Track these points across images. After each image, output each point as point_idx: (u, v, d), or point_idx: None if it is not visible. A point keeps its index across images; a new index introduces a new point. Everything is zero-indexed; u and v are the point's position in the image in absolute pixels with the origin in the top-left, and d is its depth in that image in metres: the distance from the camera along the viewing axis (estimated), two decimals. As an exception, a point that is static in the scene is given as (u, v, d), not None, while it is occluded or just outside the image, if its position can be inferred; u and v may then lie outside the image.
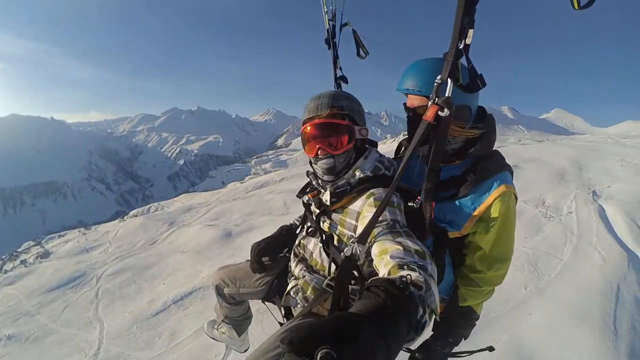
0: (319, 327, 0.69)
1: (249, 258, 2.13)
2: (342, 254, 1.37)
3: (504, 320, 4.11)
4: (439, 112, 1.28)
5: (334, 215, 1.70)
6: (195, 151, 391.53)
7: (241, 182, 23.88)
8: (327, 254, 1.69)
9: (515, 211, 1.66)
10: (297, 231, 2.07)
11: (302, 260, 1.88)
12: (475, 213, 1.56)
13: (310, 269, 1.81)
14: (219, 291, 2.33)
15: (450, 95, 1.26)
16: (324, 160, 1.68)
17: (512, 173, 1.71)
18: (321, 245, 1.72)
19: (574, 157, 11.49)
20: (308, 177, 1.90)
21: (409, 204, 1.56)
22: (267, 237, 2.13)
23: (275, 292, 2.16)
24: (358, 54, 2.10)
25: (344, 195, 1.66)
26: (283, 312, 2.05)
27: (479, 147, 1.62)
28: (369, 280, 1.03)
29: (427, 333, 1.69)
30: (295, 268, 1.87)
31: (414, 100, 1.67)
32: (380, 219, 1.38)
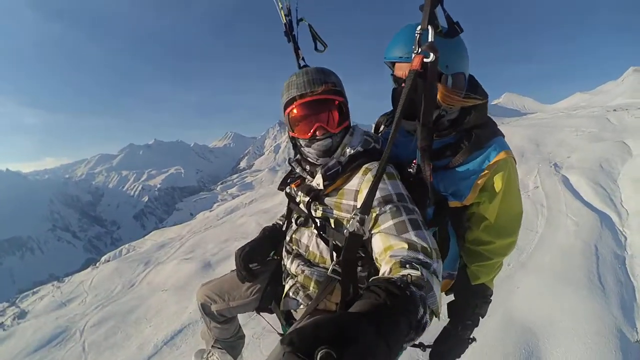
0: (319, 327, 0.69)
1: (234, 268, 1.96)
2: (345, 230, 1.33)
3: (494, 297, 4.09)
4: (424, 59, 1.25)
5: (328, 200, 1.56)
6: (158, 186, 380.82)
7: (210, 211, 23.47)
8: (326, 242, 1.54)
9: (517, 175, 1.63)
10: (284, 228, 1.94)
11: (298, 256, 1.72)
12: (479, 182, 1.50)
13: (308, 263, 1.66)
14: (205, 310, 2.09)
15: (433, 41, 1.25)
16: (322, 142, 1.54)
17: (504, 137, 1.64)
18: (317, 234, 1.56)
19: (529, 136, 11.95)
20: (290, 165, 1.76)
21: (408, 170, 1.51)
22: (250, 241, 1.94)
23: (270, 299, 1.98)
24: (316, 48, 2.05)
25: (337, 176, 1.53)
26: (284, 318, 1.82)
27: (474, 116, 1.56)
28: (370, 280, 1.03)
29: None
30: (292, 265, 1.70)
31: (405, 69, 1.56)
32: (384, 194, 1.34)
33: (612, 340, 3.20)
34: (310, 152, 1.60)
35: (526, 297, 4.06)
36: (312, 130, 1.52)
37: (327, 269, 1.47)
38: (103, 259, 18.07)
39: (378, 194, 1.33)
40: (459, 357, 1.82)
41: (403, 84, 1.52)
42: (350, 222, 1.25)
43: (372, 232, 1.30)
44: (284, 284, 1.81)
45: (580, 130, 12.05)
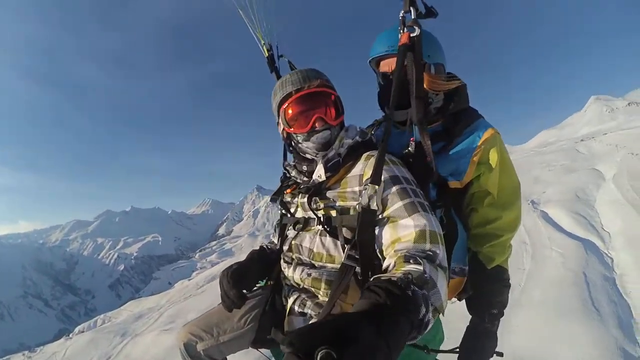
0: (319, 327, 0.68)
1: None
2: (357, 205, 1.31)
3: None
4: (411, 35, 1.43)
5: (330, 193, 1.50)
6: (135, 254, 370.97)
7: (189, 280, 22.93)
8: (333, 234, 1.44)
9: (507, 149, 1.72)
10: (278, 246, 1.78)
11: (300, 263, 1.58)
12: (475, 158, 1.57)
13: (313, 266, 1.53)
14: (189, 351, 1.71)
15: (416, 18, 1.44)
16: (321, 134, 1.51)
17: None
18: (322, 229, 1.47)
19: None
20: (285, 169, 1.73)
21: (405, 151, 1.56)
22: (236, 262, 1.73)
23: (267, 326, 1.70)
24: None
25: (338, 167, 1.50)
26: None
27: (456, 101, 1.69)
28: (370, 280, 1.03)
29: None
30: (294, 273, 1.56)
31: (391, 63, 1.71)
32: (391, 174, 1.34)
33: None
34: (309, 146, 1.55)
35: (524, 333, 3.93)
36: (311, 122, 1.50)
37: (337, 269, 1.40)
38: (77, 329, 17.29)
39: (385, 174, 1.33)
40: (492, 356, 1.72)
41: (391, 76, 1.62)
42: (362, 194, 1.27)
43: (382, 215, 1.28)
44: (285, 304, 1.62)
45: (552, 164, 12.51)
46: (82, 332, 15.18)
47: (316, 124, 1.50)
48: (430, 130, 1.63)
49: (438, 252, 1.13)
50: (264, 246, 1.93)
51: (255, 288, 1.83)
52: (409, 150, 1.55)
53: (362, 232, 1.26)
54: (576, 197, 7.89)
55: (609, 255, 5.23)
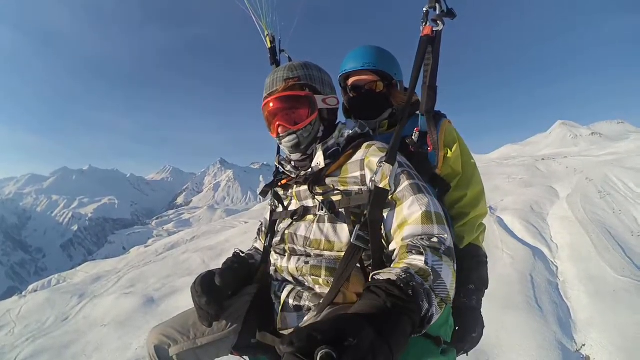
0: (319, 328, 0.70)
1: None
2: (371, 183, 1.29)
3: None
4: (434, 28, 1.50)
5: (329, 180, 1.45)
6: (90, 215, 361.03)
7: (145, 246, 22.45)
8: (334, 217, 1.38)
9: None
10: (266, 243, 1.69)
11: (294, 253, 1.49)
12: (440, 143, 1.67)
13: (309, 255, 1.43)
14: (160, 355, 1.47)
15: (440, 14, 1.50)
16: (287, 138, 1.49)
17: None
18: (325, 212, 1.39)
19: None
20: (280, 163, 1.67)
21: (407, 141, 1.63)
22: (212, 270, 1.56)
23: (252, 330, 1.51)
24: None
25: (338, 155, 1.47)
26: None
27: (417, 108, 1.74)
28: (370, 279, 1.02)
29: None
30: (289, 263, 1.46)
31: (364, 77, 1.89)
32: (398, 159, 1.32)
33: (554, 352, 3.59)
34: (283, 149, 1.58)
35: None
36: (275, 130, 1.51)
37: (335, 256, 1.35)
38: (30, 287, 16.72)
39: None
40: (475, 332, 1.69)
41: (363, 90, 1.89)
42: (377, 172, 1.28)
43: (391, 196, 1.27)
44: (275, 301, 1.50)
45: (512, 177, 13.24)
46: (36, 291, 14.72)
47: (279, 130, 1.50)
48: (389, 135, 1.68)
49: (444, 234, 1.13)
50: (239, 252, 1.77)
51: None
52: (412, 138, 1.63)
53: (373, 210, 1.23)
54: (531, 209, 8.51)
55: (554, 263, 5.81)
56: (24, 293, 14.46)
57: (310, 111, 1.49)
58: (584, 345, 3.73)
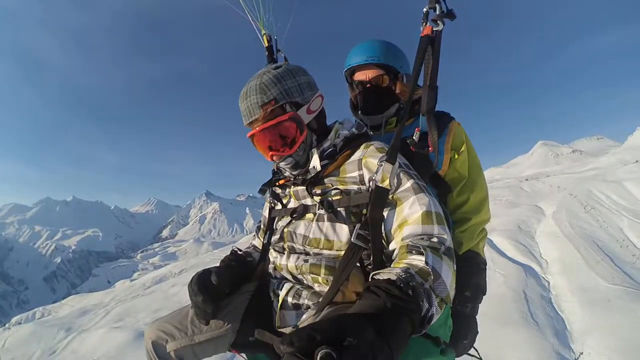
0: (319, 327, 0.70)
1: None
2: (371, 182, 1.28)
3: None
4: (434, 28, 1.48)
5: (328, 180, 1.44)
6: (73, 247, 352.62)
7: (131, 280, 21.99)
8: (333, 216, 1.35)
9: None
10: (264, 240, 1.67)
11: (293, 252, 1.47)
12: (447, 145, 1.67)
13: (307, 254, 1.42)
14: (158, 352, 1.48)
15: (440, 14, 1.49)
16: (283, 163, 1.47)
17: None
18: (324, 211, 1.37)
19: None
20: (278, 168, 1.64)
21: (408, 140, 1.61)
22: (208, 268, 1.54)
23: (251, 327, 1.45)
24: None
25: (335, 155, 1.44)
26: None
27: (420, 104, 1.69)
28: (370, 279, 1.02)
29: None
30: (288, 261, 1.44)
31: (369, 72, 1.84)
32: (398, 160, 1.31)
33: None
34: (282, 168, 1.54)
35: None
36: (269, 159, 1.47)
37: (335, 255, 1.33)
38: (14, 320, 16.22)
39: None
40: (467, 339, 1.69)
41: (368, 85, 1.85)
42: (377, 171, 1.27)
43: (391, 195, 1.26)
44: (274, 299, 1.47)
45: (498, 199, 13.54)
46: (20, 323, 14.28)
47: (274, 158, 1.45)
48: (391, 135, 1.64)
49: (444, 234, 1.13)
50: (236, 249, 1.76)
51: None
52: (412, 138, 1.60)
53: (374, 209, 1.22)
54: (518, 229, 8.72)
55: (545, 279, 5.94)
56: (7, 325, 14.02)
57: (299, 131, 1.42)
58: (581, 353, 3.82)
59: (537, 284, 5.72)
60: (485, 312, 5.14)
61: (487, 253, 6.21)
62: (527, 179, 18.17)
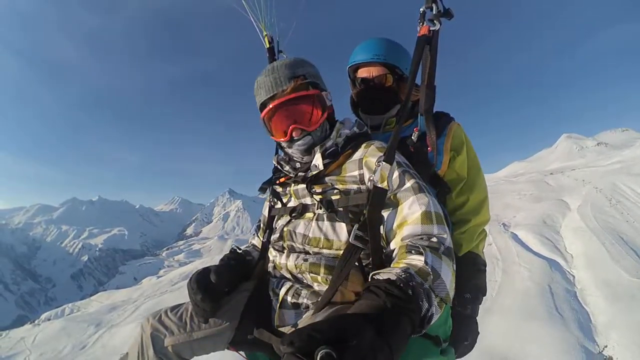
0: (319, 327, 0.70)
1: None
2: (369, 182, 1.29)
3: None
4: (431, 28, 1.48)
5: (329, 179, 1.45)
6: (100, 246, 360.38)
7: (157, 277, 22.30)
8: (333, 216, 1.35)
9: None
10: (264, 239, 1.67)
11: (293, 251, 1.47)
12: (447, 145, 1.67)
13: (307, 253, 1.42)
14: (156, 345, 1.46)
15: (437, 14, 1.49)
16: (301, 141, 1.46)
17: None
18: (324, 211, 1.37)
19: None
20: (279, 163, 1.62)
21: (407, 141, 1.62)
22: (207, 267, 1.55)
23: (250, 325, 1.48)
24: None
25: (337, 154, 1.45)
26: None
27: (419, 105, 1.69)
28: (370, 279, 1.03)
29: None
30: (288, 260, 1.44)
31: (373, 70, 1.84)
32: (396, 159, 1.32)
33: (578, 355, 3.70)
34: (294, 152, 1.53)
35: (499, 334, 4.47)
36: (288, 133, 1.44)
37: (334, 254, 1.33)
38: (43, 316, 16.69)
39: None
40: (467, 340, 1.69)
41: (371, 83, 1.84)
42: (375, 171, 1.26)
43: (390, 196, 1.26)
44: (273, 297, 1.48)
45: (522, 193, 13.31)
46: (49, 319, 14.70)
47: (293, 134, 1.44)
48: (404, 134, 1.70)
49: (443, 234, 1.13)
50: (236, 248, 1.76)
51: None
52: (411, 138, 1.61)
53: (372, 210, 1.22)
54: (543, 223, 8.63)
55: (571, 272, 5.93)
56: (37, 321, 14.45)
57: (322, 109, 1.47)
58: (605, 346, 3.83)
59: (562, 278, 5.72)
60: (512, 308, 5.23)
61: (513, 248, 6.23)
62: (551, 173, 17.71)
